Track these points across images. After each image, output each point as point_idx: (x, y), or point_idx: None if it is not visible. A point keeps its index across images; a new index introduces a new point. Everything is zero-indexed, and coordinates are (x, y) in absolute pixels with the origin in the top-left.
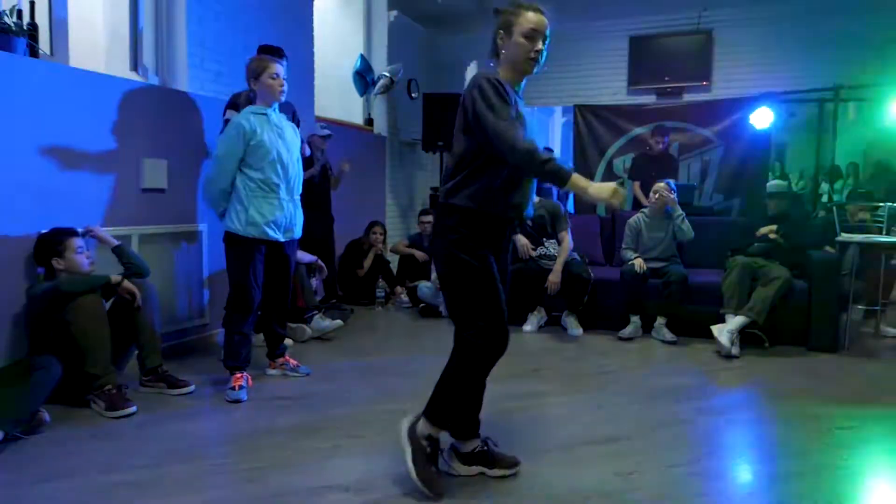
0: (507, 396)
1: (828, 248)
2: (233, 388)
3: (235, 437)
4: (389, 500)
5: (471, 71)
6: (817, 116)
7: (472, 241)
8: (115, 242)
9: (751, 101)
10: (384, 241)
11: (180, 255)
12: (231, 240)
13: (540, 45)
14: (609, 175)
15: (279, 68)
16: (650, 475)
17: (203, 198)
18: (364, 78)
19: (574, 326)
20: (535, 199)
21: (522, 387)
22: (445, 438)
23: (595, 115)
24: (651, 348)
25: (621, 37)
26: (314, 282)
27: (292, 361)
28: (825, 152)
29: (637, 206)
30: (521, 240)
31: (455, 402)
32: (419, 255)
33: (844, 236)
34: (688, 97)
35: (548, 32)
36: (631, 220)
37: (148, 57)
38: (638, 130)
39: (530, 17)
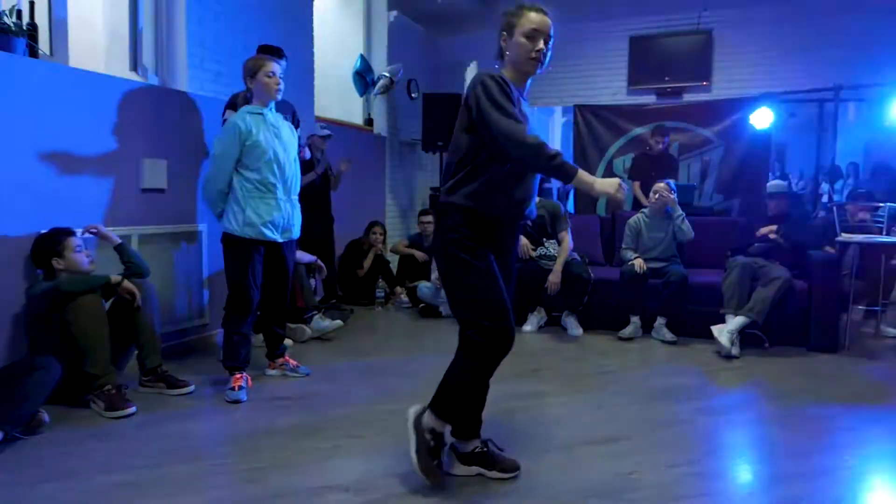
0: (508, 396)
1: (828, 248)
2: (232, 389)
3: (235, 438)
4: (389, 500)
5: (471, 71)
6: (817, 116)
7: (472, 240)
8: (118, 240)
9: (751, 101)
10: (384, 242)
11: (180, 256)
12: (229, 240)
13: (541, 45)
14: (609, 175)
15: (275, 66)
16: (650, 475)
17: (202, 198)
18: (364, 78)
19: (574, 326)
20: (536, 199)
21: (523, 387)
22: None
23: (595, 115)
24: (651, 348)
25: (621, 37)
26: (314, 282)
27: (292, 362)
28: (825, 152)
29: (637, 206)
30: (521, 240)
31: (458, 400)
32: (419, 255)
33: (844, 236)
34: (688, 97)
35: (552, 32)
36: (631, 221)
37: (148, 57)
38: (638, 130)
39: (532, 17)
